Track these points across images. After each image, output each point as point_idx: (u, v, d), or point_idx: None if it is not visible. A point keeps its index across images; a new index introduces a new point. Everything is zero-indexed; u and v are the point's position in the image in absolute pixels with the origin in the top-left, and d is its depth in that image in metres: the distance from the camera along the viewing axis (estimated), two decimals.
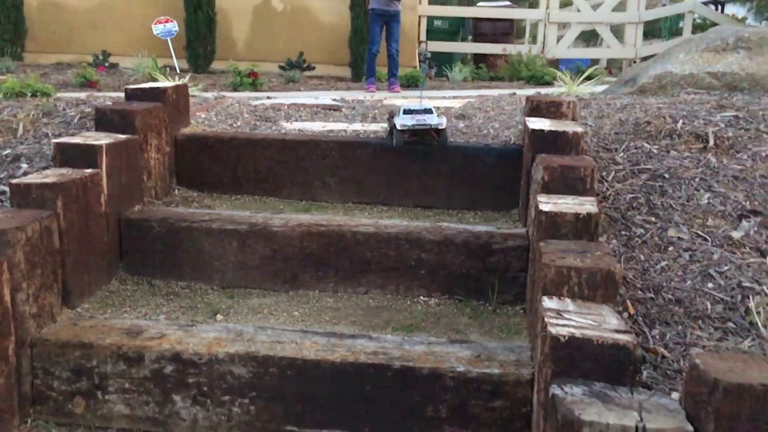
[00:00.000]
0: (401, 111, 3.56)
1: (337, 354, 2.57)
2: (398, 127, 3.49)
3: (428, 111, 3.53)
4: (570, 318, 2.14)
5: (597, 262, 2.34)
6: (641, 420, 1.80)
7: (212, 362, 2.58)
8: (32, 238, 2.61)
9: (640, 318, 2.49)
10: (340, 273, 3.18)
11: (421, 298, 3.13)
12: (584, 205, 2.70)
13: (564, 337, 2.03)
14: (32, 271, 2.61)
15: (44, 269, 2.68)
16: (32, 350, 2.63)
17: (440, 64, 10.79)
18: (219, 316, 2.95)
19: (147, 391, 2.61)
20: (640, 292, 2.65)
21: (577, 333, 2.04)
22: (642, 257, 2.83)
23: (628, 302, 2.57)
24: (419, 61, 10.39)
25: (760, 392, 1.71)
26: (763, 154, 3.39)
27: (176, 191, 3.77)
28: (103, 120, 3.37)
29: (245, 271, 3.22)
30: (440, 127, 3.49)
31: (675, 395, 2.04)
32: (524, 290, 3.07)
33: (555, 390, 1.95)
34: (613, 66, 13.03)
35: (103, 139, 3.16)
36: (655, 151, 3.53)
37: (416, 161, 3.64)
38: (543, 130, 3.19)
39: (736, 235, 2.88)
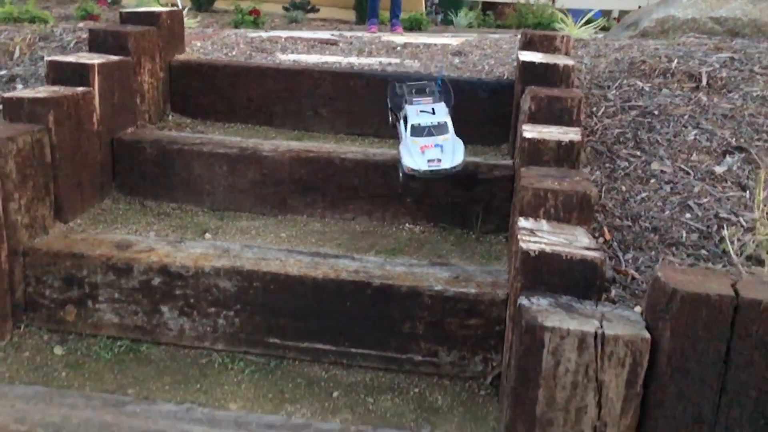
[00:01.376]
0: (409, 128, 2.79)
1: (319, 271, 2.64)
2: (406, 171, 2.76)
3: (442, 127, 2.82)
4: (543, 236, 2.20)
5: (574, 186, 2.38)
6: (601, 327, 1.87)
7: (198, 275, 2.66)
8: (24, 150, 2.66)
9: (616, 243, 2.55)
10: (328, 198, 3.24)
11: (407, 225, 3.19)
12: (568, 134, 2.73)
13: (534, 252, 2.09)
14: (24, 183, 2.67)
15: (36, 182, 2.74)
16: (24, 259, 2.71)
17: (447, 8, 10.64)
18: (207, 235, 3.02)
19: (135, 302, 2.70)
20: (618, 220, 2.70)
21: (548, 249, 2.10)
22: (624, 188, 2.87)
23: (605, 228, 2.62)
24: (425, 7, 10.24)
25: (716, 302, 1.78)
26: (755, 93, 3.39)
27: (170, 117, 3.80)
28: (97, 41, 3.39)
29: (235, 195, 3.28)
30: (457, 169, 2.76)
31: (638, 309, 2.11)
32: (508, 220, 3.12)
33: (522, 301, 2.02)
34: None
35: (96, 59, 3.18)
36: (647, 89, 3.53)
37: None
38: (534, 62, 3.19)
39: (719, 169, 2.92)
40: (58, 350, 2.65)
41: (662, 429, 1.89)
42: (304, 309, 2.64)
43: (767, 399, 1.81)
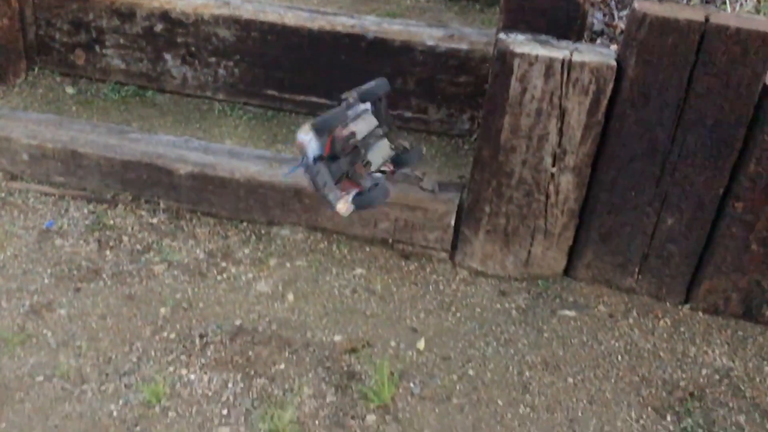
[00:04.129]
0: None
1: (316, 23, 2.68)
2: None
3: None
4: None
5: None
6: (570, 56, 1.91)
7: (198, 23, 2.72)
8: None
9: (613, 2, 2.50)
10: None
11: None
12: None
13: None
14: None
15: None
16: (34, 1, 2.79)
17: None
18: None
19: (140, 48, 2.80)
20: None
21: None
22: None
23: None
24: None
25: (684, 26, 1.78)
26: None
27: None
28: None
29: None
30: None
31: (614, 47, 2.12)
32: None
33: (500, 36, 2.05)
34: None
35: None
36: None
37: None
38: None
39: None
40: (70, 90, 2.81)
41: (619, 157, 1.98)
42: (300, 61, 2.71)
43: (722, 128, 1.86)
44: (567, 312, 2.09)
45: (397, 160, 2.12)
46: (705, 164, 1.93)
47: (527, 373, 1.89)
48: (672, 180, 1.97)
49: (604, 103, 1.92)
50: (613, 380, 1.89)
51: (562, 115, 1.96)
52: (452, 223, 2.22)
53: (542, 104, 1.96)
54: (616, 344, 2.00)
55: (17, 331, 1.85)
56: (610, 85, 1.90)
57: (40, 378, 1.74)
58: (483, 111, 2.06)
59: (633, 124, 1.93)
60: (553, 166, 2.03)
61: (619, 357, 1.96)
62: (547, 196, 2.08)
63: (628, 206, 2.04)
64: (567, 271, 2.21)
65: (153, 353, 1.84)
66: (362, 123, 2.01)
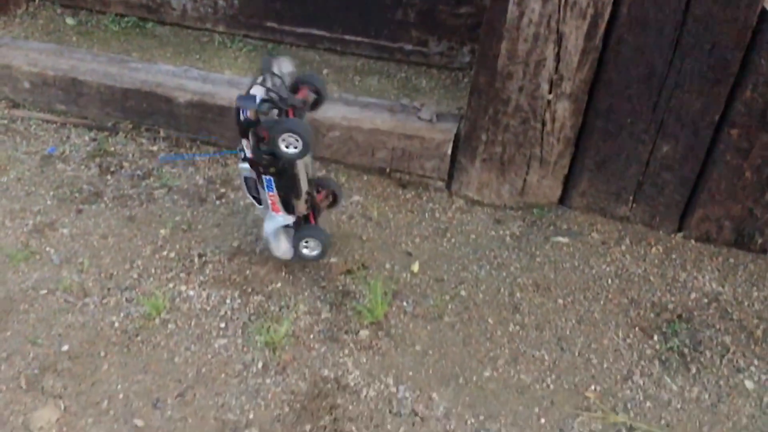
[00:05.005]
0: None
1: None
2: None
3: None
4: None
5: None
6: None
7: None
8: None
9: None
10: None
11: None
12: None
13: None
14: None
15: None
16: None
17: None
18: None
19: None
20: None
21: None
22: None
23: None
24: None
25: None
26: None
27: None
28: None
29: None
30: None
31: None
32: None
33: None
34: None
35: None
36: None
37: None
38: None
39: None
40: (70, 21, 2.81)
41: (616, 83, 1.98)
42: None
43: (719, 53, 1.85)
44: (560, 239, 2.12)
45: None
46: (701, 90, 1.92)
47: (518, 295, 1.93)
48: (668, 106, 1.97)
49: (602, 27, 1.91)
50: (602, 302, 1.93)
51: (560, 39, 1.95)
52: (449, 152, 2.23)
53: (539, 29, 1.95)
54: (608, 269, 2.03)
55: (21, 248, 1.90)
56: (608, 9, 1.89)
57: (44, 291, 1.80)
58: (480, 36, 2.05)
59: (630, 49, 1.92)
60: (550, 92, 2.03)
61: (610, 281, 1.99)
62: (544, 124, 2.09)
63: (623, 134, 2.05)
64: (562, 200, 2.24)
65: (153, 270, 1.89)
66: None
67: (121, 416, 1.53)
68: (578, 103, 2.04)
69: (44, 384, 1.58)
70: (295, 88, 1.74)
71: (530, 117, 2.08)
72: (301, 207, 1.80)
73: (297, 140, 1.60)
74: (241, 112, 1.65)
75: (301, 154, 1.63)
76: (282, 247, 1.86)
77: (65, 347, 1.66)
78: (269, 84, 1.65)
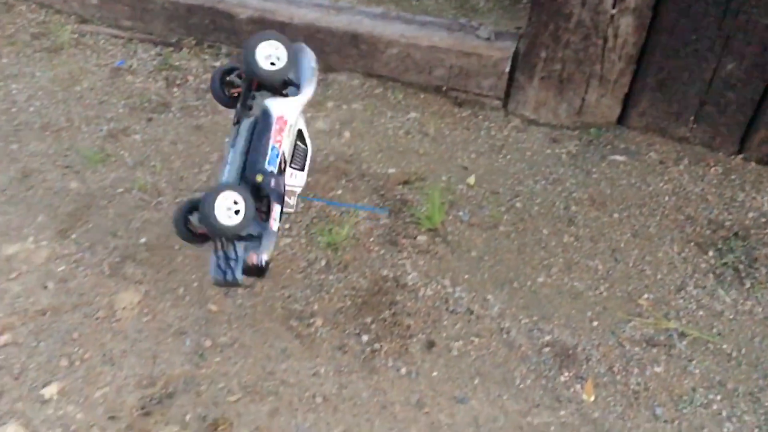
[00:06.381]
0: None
1: None
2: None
3: None
4: None
5: None
6: None
7: None
8: None
9: None
10: None
11: None
12: None
13: None
14: None
15: None
16: None
17: None
18: None
19: None
20: None
21: None
22: None
23: None
24: None
25: None
26: None
27: None
28: None
29: None
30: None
31: None
32: None
33: None
34: None
35: None
36: None
37: None
38: None
39: None
40: None
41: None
42: None
43: None
44: (617, 157, 2.13)
45: None
46: None
47: (573, 208, 1.96)
48: (735, 23, 1.93)
49: None
50: (658, 218, 1.95)
51: None
52: (507, 69, 2.24)
53: None
54: (665, 187, 2.04)
55: (98, 151, 2.01)
56: None
57: (121, 190, 1.90)
58: None
59: None
60: (614, 7, 2.01)
61: (666, 198, 2.00)
62: (605, 40, 2.07)
63: (687, 51, 2.02)
64: (620, 120, 2.23)
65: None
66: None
67: (197, 302, 1.64)
68: (642, 19, 2.02)
69: (125, 271, 1.69)
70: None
71: (592, 33, 2.06)
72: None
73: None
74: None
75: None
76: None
77: (143, 239, 1.77)
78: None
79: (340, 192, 1.96)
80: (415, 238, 1.85)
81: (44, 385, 1.49)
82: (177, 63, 2.37)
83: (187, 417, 1.46)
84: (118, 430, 1.43)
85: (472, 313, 1.69)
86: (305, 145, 1.59)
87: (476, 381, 1.57)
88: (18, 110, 2.11)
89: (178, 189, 1.92)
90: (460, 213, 1.93)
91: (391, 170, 2.05)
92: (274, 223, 1.43)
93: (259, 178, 1.40)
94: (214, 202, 1.32)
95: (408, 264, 1.79)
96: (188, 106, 2.19)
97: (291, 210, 1.51)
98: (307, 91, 1.53)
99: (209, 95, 2.26)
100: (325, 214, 1.89)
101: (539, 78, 2.20)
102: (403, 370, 1.57)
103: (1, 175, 1.91)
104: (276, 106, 1.45)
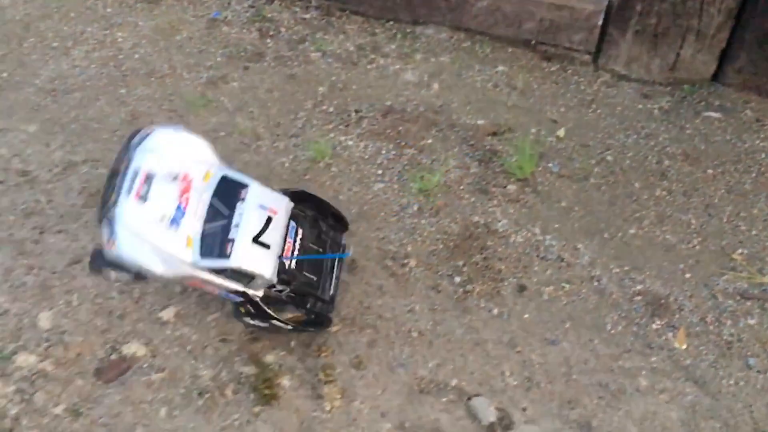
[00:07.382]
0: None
1: None
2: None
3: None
4: None
5: None
6: None
7: None
8: None
9: None
10: None
11: None
12: None
13: None
14: None
15: None
16: None
17: None
18: None
19: None
20: None
21: None
22: None
23: None
24: None
25: None
26: None
27: None
28: None
29: None
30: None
31: None
32: None
33: None
34: None
35: None
36: None
37: None
38: None
39: None
40: None
41: None
42: None
43: None
44: (712, 114, 2.09)
45: None
46: None
47: (666, 162, 1.95)
48: None
49: None
50: (753, 174, 1.92)
51: None
52: (599, 23, 2.21)
53: None
54: (761, 144, 2.00)
55: (199, 96, 2.10)
56: None
57: (222, 133, 1.99)
58: None
59: None
60: None
61: (763, 155, 1.97)
62: None
63: None
64: (715, 77, 2.18)
65: (315, 122, 2.04)
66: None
67: None
68: None
69: None
70: None
71: None
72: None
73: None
74: None
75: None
76: None
77: None
78: None
79: (430, 141, 2.00)
80: (505, 187, 1.88)
81: (162, 309, 1.60)
82: (269, 15, 2.43)
83: (292, 343, 1.55)
84: (230, 352, 1.53)
85: (562, 260, 1.71)
86: None
87: (567, 325, 1.60)
88: (124, 57, 2.22)
89: (276, 134, 1.99)
90: (550, 164, 1.95)
91: (480, 121, 2.07)
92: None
93: None
94: None
95: (498, 211, 1.82)
96: (282, 56, 2.26)
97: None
98: None
99: (300, 46, 2.32)
100: (416, 162, 1.94)
101: (633, 32, 2.17)
102: (495, 311, 1.62)
103: (113, 117, 2.03)
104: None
